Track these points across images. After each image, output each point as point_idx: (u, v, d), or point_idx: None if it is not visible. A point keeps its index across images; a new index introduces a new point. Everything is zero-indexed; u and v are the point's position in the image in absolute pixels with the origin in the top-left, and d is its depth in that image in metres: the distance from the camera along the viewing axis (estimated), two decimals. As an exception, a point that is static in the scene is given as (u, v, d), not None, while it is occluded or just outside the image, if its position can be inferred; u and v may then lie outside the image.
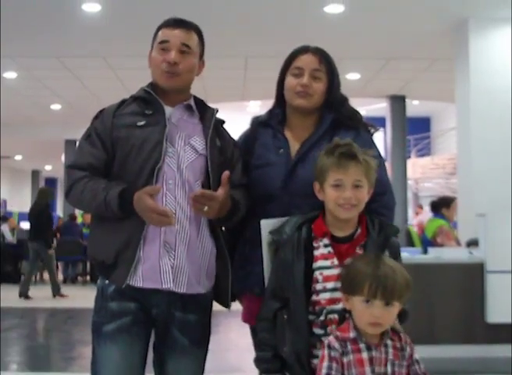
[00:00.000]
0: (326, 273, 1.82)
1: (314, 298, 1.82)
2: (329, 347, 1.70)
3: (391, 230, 1.91)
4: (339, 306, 1.79)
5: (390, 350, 1.72)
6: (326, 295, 1.81)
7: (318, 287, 1.82)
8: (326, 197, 1.87)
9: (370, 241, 1.85)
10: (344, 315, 1.78)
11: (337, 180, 1.84)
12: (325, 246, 1.85)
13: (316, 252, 1.85)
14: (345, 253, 1.83)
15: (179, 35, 2.06)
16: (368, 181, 1.88)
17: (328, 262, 1.83)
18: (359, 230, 1.87)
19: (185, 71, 2.06)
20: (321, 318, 1.81)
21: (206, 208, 1.91)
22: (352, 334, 1.71)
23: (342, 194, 1.83)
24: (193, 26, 2.12)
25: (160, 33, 2.10)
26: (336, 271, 1.81)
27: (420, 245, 7.02)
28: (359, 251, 1.84)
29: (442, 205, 6.35)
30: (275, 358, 1.84)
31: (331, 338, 1.72)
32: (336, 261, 1.82)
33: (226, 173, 1.97)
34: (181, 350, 2.02)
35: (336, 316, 1.79)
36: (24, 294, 9.32)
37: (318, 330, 1.82)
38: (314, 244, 1.86)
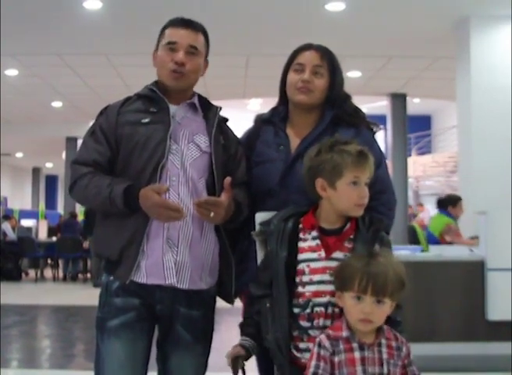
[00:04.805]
0: (313, 265, 1.82)
1: (300, 289, 1.82)
2: (319, 345, 1.68)
3: (380, 225, 1.91)
4: (325, 299, 1.78)
5: (384, 349, 1.70)
6: (312, 288, 1.80)
7: (305, 279, 1.82)
8: (341, 194, 1.84)
9: (359, 235, 1.85)
10: (333, 309, 1.77)
11: (356, 177, 1.83)
12: (314, 239, 1.85)
13: (303, 244, 1.85)
14: (332, 246, 1.83)
15: (188, 36, 2.08)
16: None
17: (315, 255, 1.82)
18: (348, 225, 1.87)
19: (191, 72, 2.09)
20: (308, 310, 1.80)
21: (212, 214, 1.92)
22: (345, 333, 1.69)
23: (361, 193, 1.84)
24: (200, 28, 2.14)
25: (167, 33, 2.11)
26: (322, 263, 1.81)
27: (425, 244, 7.00)
28: (348, 244, 1.84)
29: (448, 203, 6.36)
30: (248, 325, 1.87)
31: (322, 337, 1.70)
32: (323, 253, 1.82)
33: (228, 179, 1.98)
34: (184, 346, 2.03)
35: (322, 309, 1.78)
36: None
37: (304, 323, 1.80)
38: (301, 236, 1.86)
